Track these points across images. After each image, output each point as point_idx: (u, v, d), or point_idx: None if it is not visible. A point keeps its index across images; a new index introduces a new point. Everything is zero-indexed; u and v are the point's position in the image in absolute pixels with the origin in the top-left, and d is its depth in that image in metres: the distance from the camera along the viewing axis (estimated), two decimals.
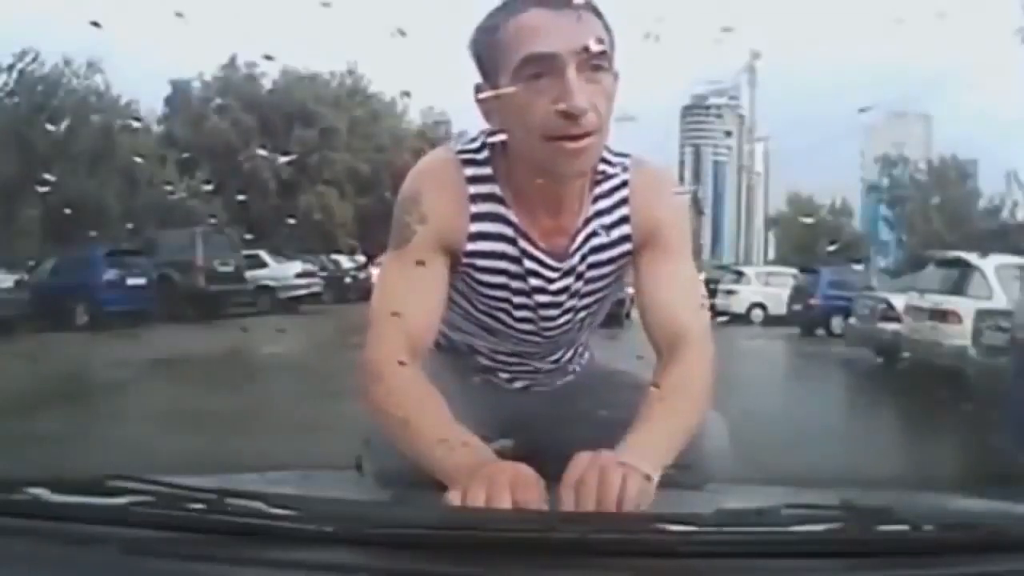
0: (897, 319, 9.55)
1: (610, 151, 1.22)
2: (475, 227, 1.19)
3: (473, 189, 1.18)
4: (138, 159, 22.28)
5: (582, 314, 1.30)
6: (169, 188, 22.82)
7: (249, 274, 17.18)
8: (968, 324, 7.30)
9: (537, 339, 1.31)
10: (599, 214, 1.22)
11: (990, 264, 8.57)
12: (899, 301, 9.69)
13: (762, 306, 19.50)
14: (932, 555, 0.82)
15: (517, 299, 1.25)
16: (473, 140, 1.22)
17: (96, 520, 0.83)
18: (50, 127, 20.23)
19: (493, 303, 1.25)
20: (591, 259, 1.24)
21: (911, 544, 0.83)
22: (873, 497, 1.00)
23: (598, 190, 1.22)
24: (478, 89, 1.16)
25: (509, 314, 1.27)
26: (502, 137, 1.17)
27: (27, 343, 10.62)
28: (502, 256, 1.21)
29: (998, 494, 1.12)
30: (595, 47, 1.06)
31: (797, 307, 16.75)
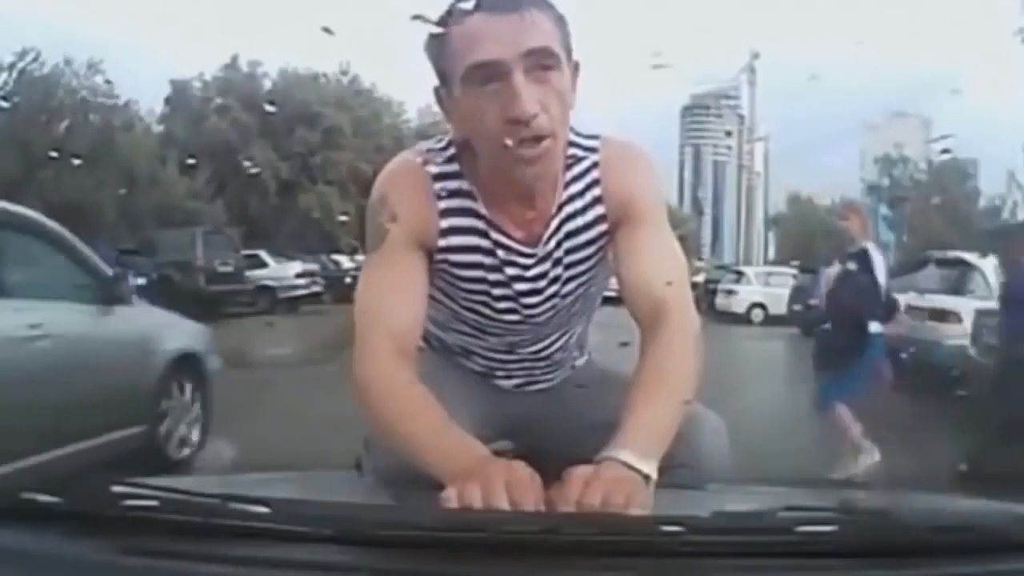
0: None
1: (579, 134, 1.22)
2: (445, 223, 1.19)
3: (439, 185, 1.19)
4: (138, 159, 22.27)
5: (569, 300, 1.29)
6: (169, 188, 22.83)
7: (249, 274, 17.16)
8: (968, 324, 7.30)
9: (524, 327, 1.31)
10: (572, 199, 1.22)
11: (990, 264, 8.55)
12: (899, 301, 9.67)
13: (762, 306, 19.47)
14: (931, 556, 0.83)
15: (496, 291, 1.25)
16: (439, 139, 1.23)
17: (98, 524, 0.84)
18: (51, 127, 20.25)
19: (474, 296, 1.26)
20: (567, 244, 1.23)
21: (910, 545, 0.83)
22: (872, 498, 1.00)
23: (569, 174, 1.22)
24: (436, 93, 1.17)
25: (490, 306, 1.27)
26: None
27: None
28: (475, 249, 1.21)
29: (997, 494, 1.12)
30: (541, 47, 1.06)
31: (797, 307, 16.72)
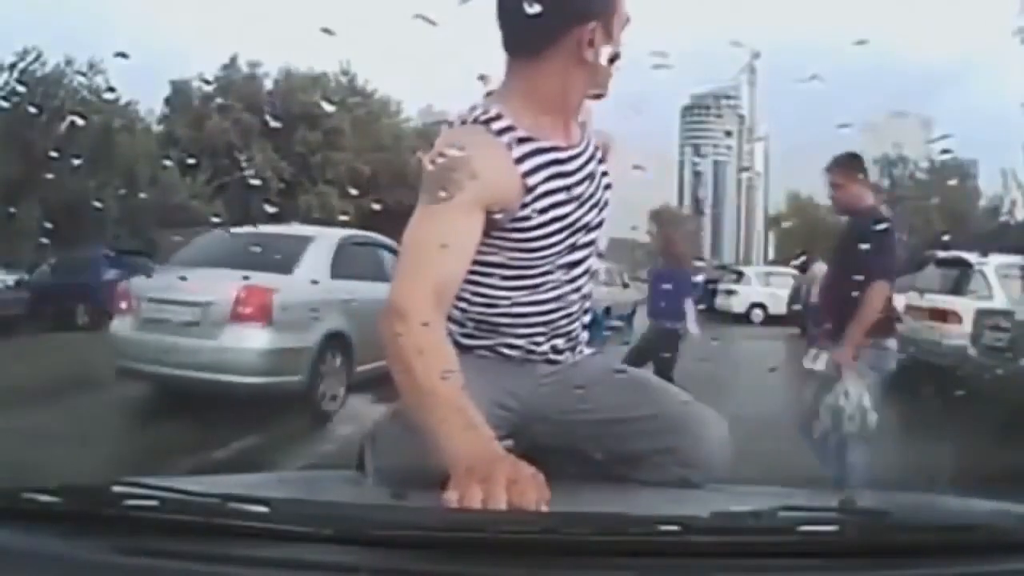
0: (897, 319, 9.54)
1: None
2: (523, 168, 1.30)
3: (508, 139, 1.30)
4: (138, 159, 22.27)
5: (601, 211, 1.43)
6: (170, 188, 22.84)
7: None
8: (968, 324, 7.29)
9: (583, 249, 1.41)
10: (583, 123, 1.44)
11: (990, 264, 8.55)
12: (899, 301, 9.69)
13: (762, 306, 19.47)
14: (931, 556, 0.83)
15: (569, 207, 1.35)
16: (475, 109, 1.34)
17: (98, 524, 0.84)
18: (51, 127, 20.24)
19: (553, 227, 1.34)
20: (592, 145, 1.43)
21: (910, 545, 0.83)
22: (871, 498, 1.00)
23: None
24: (590, 35, 1.30)
25: (565, 228, 1.36)
26: (501, 92, 1.34)
27: (27, 343, 10.61)
28: (555, 177, 1.34)
29: (997, 495, 1.12)
30: None
31: (797, 307, 16.73)
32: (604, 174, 1.46)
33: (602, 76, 1.36)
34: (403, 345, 1.14)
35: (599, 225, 1.44)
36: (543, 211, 1.33)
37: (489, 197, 1.26)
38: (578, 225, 1.38)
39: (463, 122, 1.34)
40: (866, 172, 3.75)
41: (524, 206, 1.31)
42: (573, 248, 1.39)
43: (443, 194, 1.22)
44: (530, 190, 1.31)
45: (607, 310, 14.47)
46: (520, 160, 1.31)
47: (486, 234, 1.27)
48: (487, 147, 1.28)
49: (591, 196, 1.41)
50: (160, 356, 5.78)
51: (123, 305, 6.36)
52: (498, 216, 1.28)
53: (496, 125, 1.31)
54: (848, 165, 3.69)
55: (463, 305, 1.37)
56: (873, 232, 3.56)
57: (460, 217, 1.23)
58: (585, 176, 1.40)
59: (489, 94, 1.36)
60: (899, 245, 3.77)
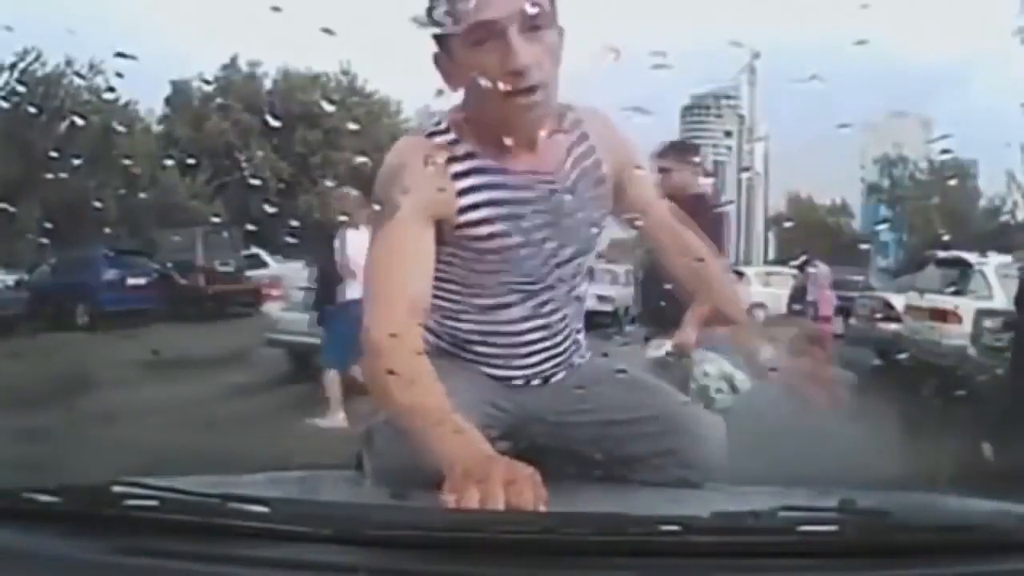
0: (897, 319, 9.55)
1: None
2: (459, 185, 1.26)
3: (449, 153, 1.27)
4: (138, 159, 22.26)
5: (578, 243, 1.35)
6: (170, 188, 22.84)
7: (249, 274, 17.14)
8: (968, 324, 7.30)
9: (545, 280, 1.33)
10: (573, 145, 1.34)
11: (990, 264, 8.56)
12: (899, 301, 9.70)
13: (762, 306, 19.48)
14: (931, 556, 0.83)
15: (515, 238, 1.28)
16: (435, 122, 1.31)
17: (98, 524, 0.84)
18: (51, 127, 20.25)
19: (498, 253, 1.29)
20: (574, 174, 1.33)
21: (910, 545, 0.83)
22: (871, 498, 1.00)
23: (564, 124, 1.34)
24: (436, 59, 1.25)
25: (516, 258, 1.30)
26: (456, 106, 1.29)
27: (27, 343, 10.62)
28: (495, 203, 1.27)
29: (997, 494, 1.12)
30: (532, 10, 1.18)
31: (797, 307, 16.73)
32: (595, 200, 1.36)
33: (509, 99, 1.19)
34: (379, 366, 1.14)
35: (574, 257, 1.35)
36: (489, 237, 1.28)
37: (430, 208, 1.24)
38: (542, 255, 1.31)
39: (413, 134, 1.33)
40: (698, 161, 3.65)
41: (459, 226, 1.26)
42: (538, 277, 1.33)
43: (385, 209, 1.23)
44: (465, 209, 1.26)
45: (626, 310, 14.51)
46: (457, 177, 1.26)
47: (441, 250, 1.26)
48: (424, 159, 1.24)
49: (559, 227, 1.32)
50: (306, 329, 6.95)
51: (274, 292, 8.22)
52: (444, 227, 1.26)
53: (440, 139, 1.28)
54: (679, 152, 3.60)
55: (437, 318, 1.35)
56: (700, 220, 3.49)
57: (408, 230, 1.22)
58: (552, 206, 1.30)
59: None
60: (727, 239, 3.67)
